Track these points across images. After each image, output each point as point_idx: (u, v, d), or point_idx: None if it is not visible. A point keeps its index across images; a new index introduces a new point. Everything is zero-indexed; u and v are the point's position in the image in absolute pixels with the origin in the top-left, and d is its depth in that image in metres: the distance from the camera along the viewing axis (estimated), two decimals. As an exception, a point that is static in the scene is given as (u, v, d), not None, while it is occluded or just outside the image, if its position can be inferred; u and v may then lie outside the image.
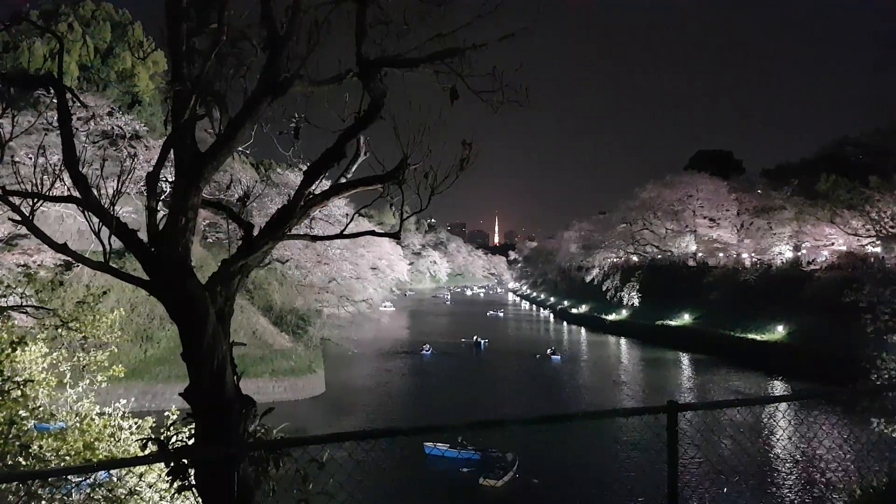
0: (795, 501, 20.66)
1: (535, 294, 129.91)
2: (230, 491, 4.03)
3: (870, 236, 46.22)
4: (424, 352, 54.31)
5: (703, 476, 17.56)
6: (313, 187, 5.07)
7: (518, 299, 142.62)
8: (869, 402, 16.89)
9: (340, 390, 38.71)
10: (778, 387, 40.82)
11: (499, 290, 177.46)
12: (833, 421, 27.45)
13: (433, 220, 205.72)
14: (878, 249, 47.17)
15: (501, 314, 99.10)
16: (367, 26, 5.01)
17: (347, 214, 45.31)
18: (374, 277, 63.15)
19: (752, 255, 63.22)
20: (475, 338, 60.65)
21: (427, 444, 24.64)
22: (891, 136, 48.88)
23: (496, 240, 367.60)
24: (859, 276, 33.01)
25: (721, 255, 68.81)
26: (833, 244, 53.11)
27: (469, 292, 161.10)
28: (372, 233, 6.42)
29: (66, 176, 4.58)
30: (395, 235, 5.74)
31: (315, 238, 6.32)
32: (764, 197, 62.91)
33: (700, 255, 72.50)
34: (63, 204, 4.87)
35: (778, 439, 27.61)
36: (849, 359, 23.95)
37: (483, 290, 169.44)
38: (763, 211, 60.76)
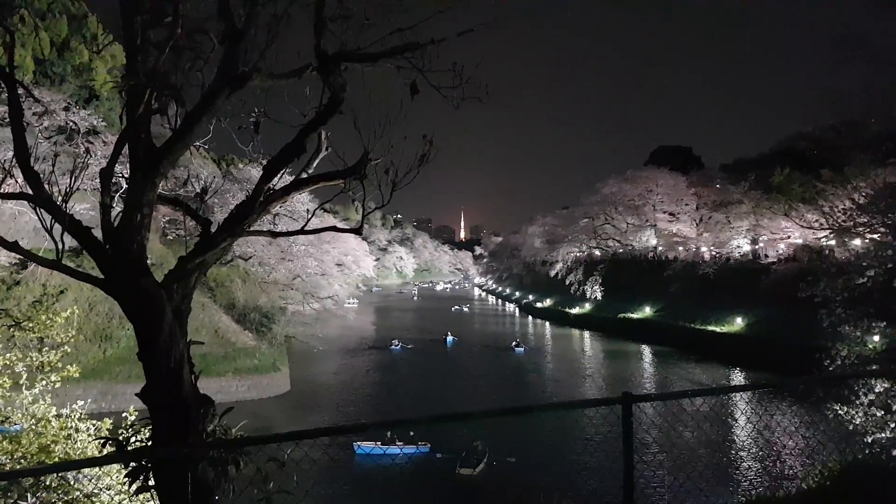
0: (753, 488, 21.16)
1: (500, 289, 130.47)
2: (188, 491, 3.98)
3: (823, 229, 47.29)
4: (394, 347, 54.54)
5: (661, 465, 17.91)
6: (273, 182, 5.02)
7: (484, 294, 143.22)
8: (824, 391, 17.41)
9: (306, 388, 38.40)
10: (737, 377, 41.74)
11: (465, 285, 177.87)
12: (790, 409, 28.22)
13: (399, 216, 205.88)
14: (833, 243, 48.33)
15: (467, 309, 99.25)
16: (326, 20, 4.96)
17: (311, 210, 44.88)
18: (340, 274, 62.68)
19: (711, 248, 64.40)
20: (447, 334, 61.09)
21: (356, 442, 24.70)
22: (843, 130, 50.11)
23: (462, 235, 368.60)
24: (815, 269, 33.87)
25: (681, 248, 69.99)
26: (789, 237, 54.34)
27: (438, 287, 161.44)
28: (334, 228, 6.38)
29: (18, 172, 4.46)
30: (357, 231, 5.72)
31: (276, 234, 6.27)
32: (722, 191, 63.90)
33: (660, 248, 73.66)
34: (16, 200, 4.75)
35: (736, 428, 28.27)
36: (805, 349, 24.57)
37: (450, 286, 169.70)
38: (721, 205, 61.80)
